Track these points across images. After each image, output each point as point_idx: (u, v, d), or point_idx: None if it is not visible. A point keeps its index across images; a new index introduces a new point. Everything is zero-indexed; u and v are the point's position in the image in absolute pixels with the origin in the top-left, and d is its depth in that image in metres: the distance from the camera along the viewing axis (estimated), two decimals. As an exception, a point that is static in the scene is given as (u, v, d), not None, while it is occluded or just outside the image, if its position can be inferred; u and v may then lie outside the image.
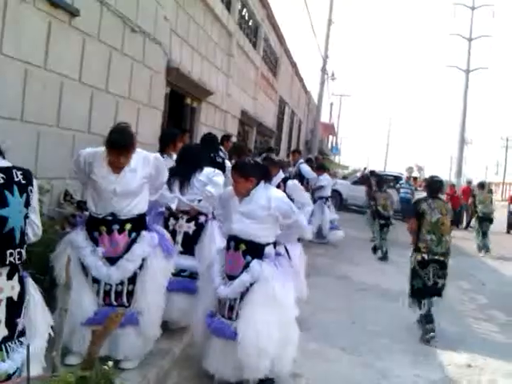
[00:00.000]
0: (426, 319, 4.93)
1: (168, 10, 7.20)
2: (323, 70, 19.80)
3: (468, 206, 16.97)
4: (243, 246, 3.36)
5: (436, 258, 4.94)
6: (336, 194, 18.08)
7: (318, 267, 7.62)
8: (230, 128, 11.57)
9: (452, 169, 45.23)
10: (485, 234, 11.46)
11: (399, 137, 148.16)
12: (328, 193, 10.33)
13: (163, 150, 4.83)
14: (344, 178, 22.10)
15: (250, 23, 13.86)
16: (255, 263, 3.30)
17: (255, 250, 3.36)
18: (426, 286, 4.96)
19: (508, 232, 16.87)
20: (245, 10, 13.07)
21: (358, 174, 20.08)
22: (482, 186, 12.77)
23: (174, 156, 4.68)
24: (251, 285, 3.26)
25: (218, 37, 10.37)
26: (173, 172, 4.06)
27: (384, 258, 9.20)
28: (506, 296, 7.30)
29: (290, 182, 6.33)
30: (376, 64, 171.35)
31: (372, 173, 13.71)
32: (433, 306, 4.99)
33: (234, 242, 3.41)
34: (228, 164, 5.89)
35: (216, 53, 10.32)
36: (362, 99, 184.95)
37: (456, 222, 16.87)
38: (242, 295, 3.28)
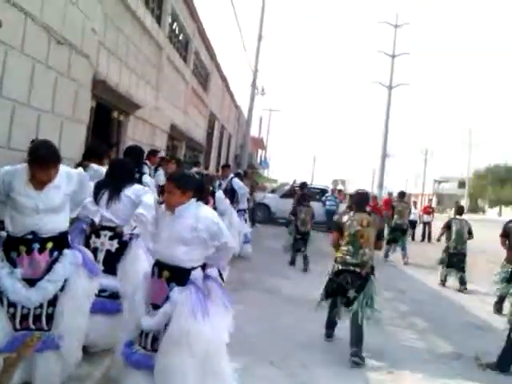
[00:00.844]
0: (328, 325, 5.26)
1: (96, 22, 7.07)
2: (253, 84, 20.12)
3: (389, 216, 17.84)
4: (167, 273, 3.14)
5: (351, 268, 4.97)
6: (264, 207, 18.37)
7: (245, 281, 7.70)
8: (159, 142, 11.47)
9: (374, 181, 47.10)
10: (394, 242, 11.90)
11: (326, 150, 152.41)
12: (244, 205, 10.45)
13: (85, 163, 4.72)
14: (273, 191, 22.42)
15: (181, 37, 13.87)
16: (175, 292, 3.08)
17: (180, 276, 3.14)
18: (335, 289, 5.08)
19: (422, 240, 17.84)
20: (175, 23, 13.07)
21: (287, 188, 20.48)
22: (401, 195, 13.19)
23: (101, 169, 4.61)
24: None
25: (147, 50, 10.30)
26: (102, 185, 4.01)
27: (292, 263, 9.70)
28: (423, 303, 7.72)
29: (217, 194, 6.42)
30: (305, 79, 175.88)
31: (303, 185, 13.67)
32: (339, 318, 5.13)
33: (157, 267, 3.20)
34: (147, 179, 5.60)
35: (145, 66, 10.24)
36: (291, 114, 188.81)
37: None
38: (166, 326, 3.07)
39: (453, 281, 9.15)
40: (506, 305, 7.06)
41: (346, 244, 5.04)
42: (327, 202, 17.41)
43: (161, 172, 7.36)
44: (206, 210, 3.28)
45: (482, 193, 63.88)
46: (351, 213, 5.22)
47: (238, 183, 9.73)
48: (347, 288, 4.96)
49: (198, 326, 2.98)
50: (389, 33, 30.21)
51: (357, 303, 4.83)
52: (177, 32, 13.40)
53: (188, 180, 3.29)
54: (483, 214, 59.32)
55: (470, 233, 9.14)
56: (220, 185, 9.59)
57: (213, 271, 3.40)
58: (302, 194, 11.07)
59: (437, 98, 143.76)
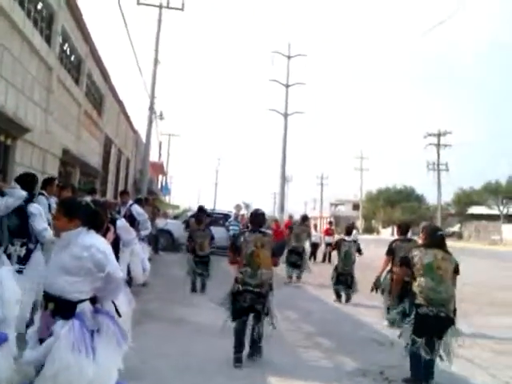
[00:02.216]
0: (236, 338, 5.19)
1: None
2: (151, 108, 19.77)
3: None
4: (51, 305, 2.93)
5: (250, 288, 5.11)
6: (167, 234, 17.94)
7: (150, 312, 7.34)
8: (50, 168, 10.79)
9: (276, 204, 48.20)
10: (292, 265, 12.05)
11: (227, 175, 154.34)
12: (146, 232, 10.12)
13: None
14: (175, 217, 22.04)
15: (73, 58, 13.31)
16: (58, 326, 2.87)
17: (65, 308, 2.93)
18: (242, 307, 5.16)
19: (323, 261, 18.36)
20: (66, 44, 12.52)
21: (189, 213, 20.21)
22: (304, 219, 13.51)
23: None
24: None
25: (36, 71, 9.72)
26: None
27: (193, 289, 9.56)
28: (327, 322, 7.84)
29: (119, 222, 6.10)
30: (203, 105, 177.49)
31: (200, 209, 13.70)
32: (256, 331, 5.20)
33: (44, 299, 2.98)
34: (32, 207, 5.12)
35: (34, 87, 9.64)
36: (191, 139, 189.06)
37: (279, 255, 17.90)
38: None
39: (355, 297, 9.46)
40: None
41: (244, 265, 5.16)
42: (230, 227, 17.40)
43: (53, 200, 6.84)
44: (92, 238, 3.08)
45: (375, 214, 67.95)
46: (246, 233, 5.36)
47: (137, 210, 9.33)
48: (254, 305, 5.13)
49: (79, 361, 2.79)
50: (282, 63, 31.50)
51: (266, 316, 5.19)
52: (68, 53, 12.86)
53: (76, 207, 3.15)
54: (377, 234, 62.84)
55: (359, 250, 10.03)
56: (119, 212, 9.16)
57: (106, 305, 3.19)
58: (197, 217, 10.89)
59: (331, 126, 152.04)
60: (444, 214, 56.42)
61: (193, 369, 5.01)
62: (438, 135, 53.34)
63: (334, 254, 12.42)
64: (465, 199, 59.02)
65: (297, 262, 12.10)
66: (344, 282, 9.65)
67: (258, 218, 5.47)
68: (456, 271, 4.94)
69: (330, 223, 22.47)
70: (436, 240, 5.00)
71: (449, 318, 4.76)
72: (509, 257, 27.71)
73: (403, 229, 7.97)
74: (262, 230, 5.52)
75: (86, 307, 2.99)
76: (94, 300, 3.07)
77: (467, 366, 5.54)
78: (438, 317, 4.73)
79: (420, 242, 5.30)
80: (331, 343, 6.53)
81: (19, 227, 4.98)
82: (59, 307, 2.93)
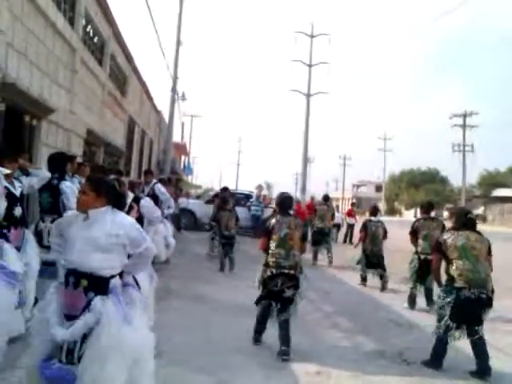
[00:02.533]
0: (259, 325, 5.20)
1: (3, 23, 6.65)
2: (173, 90, 19.80)
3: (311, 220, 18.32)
4: (85, 282, 2.94)
5: (285, 271, 5.04)
6: (189, 213, 18.14)
7: (171, 290, 7.50)
8: (75, 148, 10.97)
9: (298, 184, 48.16)
10: (319, 244, 12.16)
11: (249, 156, 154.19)
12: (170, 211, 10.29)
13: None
14: (198, 197, 22.22)
15: (96, 40, 13.38)
16: (98, 301, 2.91)
17: (99, 284, 2.96)
18: (271, 291, 5.07)
19: (344, 242, 18.36)
20: (89, 26, 12.59)
21: (212, 193, 20.35)
22: (326, 198, 13.39)
23: None
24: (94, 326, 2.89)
25: (60, 52, 9.82)
26: None
27: (222, 269, 9.63)
28: (347, 303, 7.89)
29: (143, 201, 6.23)
30: (225, 86, 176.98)
31: (224, 189, 13.73)
32: (283, 318, 5.02)
33: (73, 277, 2.96)
34: (62, 186, 5.35)
35: (58, 69, 9.76)
36: (213, 120, 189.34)
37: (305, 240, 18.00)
38: (84, 337, 2.89)
39: (373, 280, 9.41)
40: (418, 300, 7.55)
41: (277, 247, 5.08)
42: (252, 207, 17.49)
43: (75, 180, 6.96)
44: (124, 217, 3.17)
45: (397, 196, 67.26)
46: (278, 216, 5.25)
47: (160, 189, 9.46)
48: (283, 289, 5.01)
49: (129, 333, 2.90)
50: (305, 43, 31.11)
51: (293, 305, 5.05)
52: (91, 34, 12.93)
53: (103, 184, 3.17)
54: (400, 216, 62.38)
55: (385, 233, 9.54)
56: (143, 191, 9.29)
57: (130, 279, 3.28)
58: (223, 197, 10.97)
59: (354, 106, 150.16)
60: (468, 196, 55.56)
61: (212, 345, 5.14)
62: (464, 116, 52.26)
63: (356, 234, 12.39)
64: (490, 181, 57.90)
65: (322, 241, 12.15)
66: (376, 264, 9.28)
67: (286, 202, 5.43)
68: (489, 252, 4.94)
69: (353, 204, 22.37)
70: (466, 222, 4.99)
71: (489, 298, 4.75)
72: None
73: (426, 208, 7.93)
74: (290, 213, 5.51)
75: (117, 282, 3.05)
76: (121, 275, 3.13)
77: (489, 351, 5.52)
78: (480, 299, 4.69)
79: (449, 224, 5.26)
80: (350, 324, 6.59)
81: (52, 204, 5.25)
82: (93, 284, 2.94)
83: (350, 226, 18.98)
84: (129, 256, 3.15)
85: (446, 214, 64.22)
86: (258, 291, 5.26)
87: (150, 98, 23.17)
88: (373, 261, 9.30)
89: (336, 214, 16.32)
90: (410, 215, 64.17)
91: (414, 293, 7.53)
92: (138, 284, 3.40)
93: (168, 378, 4.08)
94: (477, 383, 4.59)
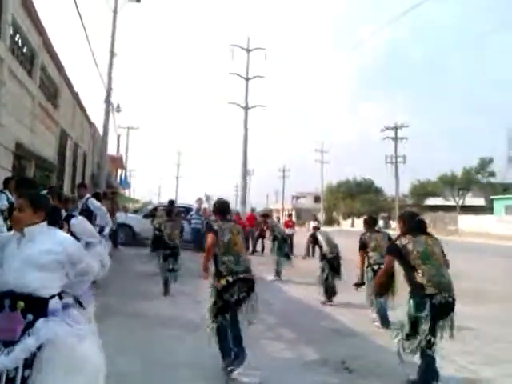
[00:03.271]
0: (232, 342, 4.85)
1: None
2: (107, 101, 19.31)
3: (253, 231, 18.40)
4: (21, 304, 2.74)
5: (240, 276, 4.85)
6: (127, 228, 17.69)
7: (111, 307, 7.22)
8: (3, 162, 10.41)
9: (238, 196, 48.26)
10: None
11: (189, 168, 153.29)
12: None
13: None
14: (135, 211, 21.73)
15: (25, 50, 12.83)
16: (41, 323, 2.73)
17: (37, 306, 2.78)
18: (229, 302, 4.83)
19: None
20: (18, 35, 12.06)
21: (150, 207, 19.94)
22: (264, 215, 13.87)
23: None
24: (39, 349, 2.70)
25: (-15, 62, 9.33)
26: None
27: (165, 290, 8.94)
28: (290, 314, 7.90)
29: (73, 220, 5.66)
30: (162, 98, 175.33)
31: (171, 203, 13.54)
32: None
33: (9, 299, 2.76)
34: None
35: (-17, 79, 9.25)
36: (151, 132, 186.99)
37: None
38: (26, 363, 2.69)
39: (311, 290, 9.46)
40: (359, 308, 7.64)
41: (224, 254, 4.91)
42: (192, 221, 17.30)
43: (3, 196, 6.59)
44: (59, 232, 3.06)
45: (335, 206, 68.90)
46: (219, 222, 5.14)
47: (94, 204, 9.10)
48: (241, 296, 4.84)
49: (88, 349, 2.83)
50: (242, 56, 31.42)
51: (244, 308, 4.88)
52: (20, 44, 12.38)
53: (40, 199, 3.05)
54: (338, 226, 63.86)
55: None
56: (76, 207, 8.93)
57: (69, 300, 3.10)
58: (168, 209, 11.00)
59: (292, 119, 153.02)
60: (402, 205, 57.72)
61: (158, 362, 4.99)
62: (395, 128, 54.48)
63: (296, 243, 12.59)
64: (421, 190, 60.47)
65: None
66: (337, 266, 8.87)
67: (223, 206, 5.35)
68: (443, 253, 4.75)
69: (290, 215, 22.63)
70: (418, 226, 4.80)
71: (454, 301, 4.56)
72: (463, 247, 28.65)
73: (370, 223, 7.82)
74: (229, 218, 5.40)
75: (57, 303, 2.89)
76: (60, 295, 2.97)
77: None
78: (448, 303, 4.49)
79: (398, 230, 4.98)
80: (293, 334, 6.59)
81: None
82: (31, 305, 2.77)
83: (289, 236, 19.15)
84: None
85: (381, 222, 66.46)
86: (203, 306, 5.07)
87: (82, 110, 22.47)
88: (334, 263, 8.88)
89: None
90: (347, 224, 65.92)
91: (382, 310, 6.99)
92: (81, 305, 3.26)
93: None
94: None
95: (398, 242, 4.69)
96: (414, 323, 4.43)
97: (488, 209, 51.36)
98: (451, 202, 55.34)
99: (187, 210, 18.70)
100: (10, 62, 10.78)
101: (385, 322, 6.81)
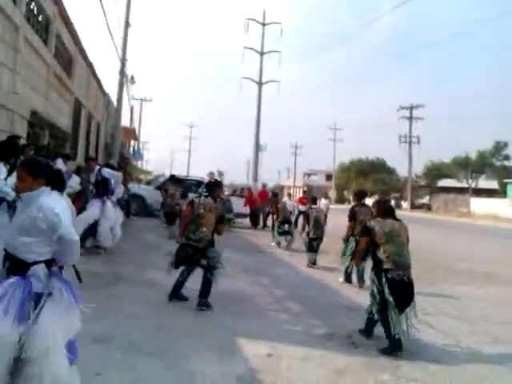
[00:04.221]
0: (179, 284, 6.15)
1: None
2: (121, 72, 19.26)
3: (263, 207, 18.45)
4: (7, 263, 2.98)
5: (190, 243, 6.03)
6: (139, 199, 17.83)
7: (120, 275, 7.35)
8: (18, 130, 10.48)
9: (249, 172, 48.25)
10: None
11: (201, 143, 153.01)
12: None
13: None
14: (148, 183, 21.86)
15: (40, 18, 12.79)
16: (6, 282, 2.88)
17: (18, 267, 2.94)
18: (184, 258, 6.11)
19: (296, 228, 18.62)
20: (33, 3, 12.01)
21: (162, 179, 20.03)
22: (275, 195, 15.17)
23: None
24: None
25: (1, 29, 9.32)
26: None
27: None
28: (298, 287, 7.97)
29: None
30: (177, 71, 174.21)
31: (171, 177, 14.37)
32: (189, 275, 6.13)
33: (4, 257, 3.00)
34: None
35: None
36: (165, 104, 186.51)
37: (255, 222, 18.24)
38: None
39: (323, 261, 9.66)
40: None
41: (189, 223, 6.10)
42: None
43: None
44: (51, 199, 3.03)
45: (347, 184, 68.53)
46: (200, 198, 6.29)
47: (108, 171, 9.24)
48: (192, 258, 6.05)
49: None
50: (257, 30, 31.05)
51: (205, 261, 6.00)
52: (35, 12, 12.33)
53: (40, 166, 3.11)
54: (349, 204, 63.65)
55: (325, 218, 10.63)
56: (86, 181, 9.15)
57: (57, 270, 3.12)
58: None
59: (306, 95, 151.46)
60: (414, 185, 57.39)
61: (163, 329, 5.07)
62: (411, 108, 53.85)
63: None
64: (434, 172, 59.89)
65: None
66: (317, 247, 10.22)
67: (210, 186, 6.54)
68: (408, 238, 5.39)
69: (305, 192, 22.64)
70: (388, 210, 5.53)
71: (411, 281, 5.11)
72: (475, 229, 28.55)
73: (359, 196, 8.87)
74: (220, 197, 6.53)
75: (39, 269, 2.97)
76: (50, 263, 3.02)
77: (431, 333, 5.72)
78: (404, 281, 5.04)
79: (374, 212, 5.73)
80: (300, 307, 6.65)
81: None
82: (13, 266, 2.94)
83: (302, 213, 19.18)
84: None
85: (392, 202, 66.21)
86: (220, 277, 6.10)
87: (97, 80, 22.44)
88: (314, 243, 10.19)
89: (288, 202, 16.51)
90: (359, 204, 65.62)
91: (349, 270, 8.42)
92: (77, 274, 3.32)
93: (119, 362, 4.04)
94: (426, 365, 4.74)
95: (368, 224, 5.46)
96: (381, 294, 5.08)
97: (501, 192, 50.81)
98: (464, 184, 54.79)
99: (199, 183, 18.77)
100: (25, 30, 10.76)
101: (348, 279, 8.46)
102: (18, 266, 2.93)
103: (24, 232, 2.93)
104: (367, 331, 5.40)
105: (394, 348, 4.91)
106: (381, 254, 5.15)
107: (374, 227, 5.27)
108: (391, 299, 4.95)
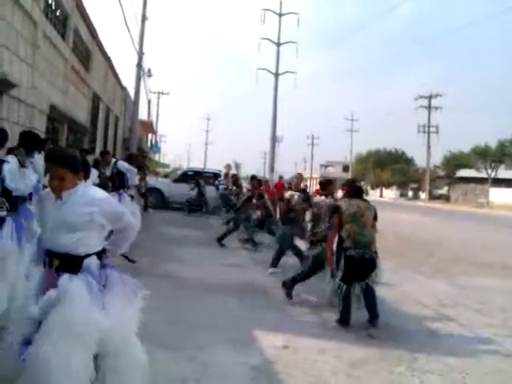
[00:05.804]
0: None
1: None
2: (139, 65, 19.40)
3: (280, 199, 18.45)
4: (56, 262, 2.82)
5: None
6: (157, 192, 18.00)
7: (139, 267, 7.43)
8: (38, 124, 10.64)
9: (266, 164, 48.29)
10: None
11: (219, 135, 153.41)
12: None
13: None
14: (165, 176, 22.05)
15: (58, 13, 12.91)
16: (64, 278, 2.77)
17: (71, 264, 2.81)
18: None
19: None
20: (51, -3, 12.12)
21: (179, 172, 20.18)
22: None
23: None
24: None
25: (20, 25, 9.44)
26: None
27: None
28: (312, 279, 7.97)
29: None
30: (193, 63, 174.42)
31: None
32: None
33: (48, 256, 2.86)
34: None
35: (19, 42, 9.38)
36: (182, 98, 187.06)
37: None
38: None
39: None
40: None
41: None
42: (220, 186, 17.50)
43: (40, 156, 6.77)
44: (97, 191, 2.98)
45: (364, 176, 68.11)
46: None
47: (124, 165, 9.35)
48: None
49: (94, 319, 2.71)
50: (274, 21, 30.89)
51: None
52: (53, 7, 12.44)
53: (77, 160, 2.95)
54: (366, 195, 63.34)
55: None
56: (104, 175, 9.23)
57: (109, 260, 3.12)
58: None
59: (323, 86, 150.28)
60: (433, 176, 56.80)
61: (180, 321, 5.13)
62: (429, 97, 53.13)
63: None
64: (453, 162, 59.14)
65: None
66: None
67: (324, 185, 7.43)
68: (375, 218, 5.70)
69: (321, 183, 22.54)
70: (355, 191, 5.88)
71: (372, 258, 5.49)
72: (495, 219, 28.19)
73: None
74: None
75: (92, 262, 2.89)
76: (100, 254, 2.97)
77: (449, 325, 5.71)
78: (363, 258, 5.43)
79: (342, 194, 6.22)
80: (315, 299, 6.67)
81: None
82: (64, 263, 2.83)
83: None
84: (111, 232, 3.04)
85: (410, 193, 65.65)
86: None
87: (114, 74, 22.59)
88: None
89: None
90: (376, 195, 65.36)
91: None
92: (128, 258, 3.27)
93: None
94: (442, 358, 4.74)
95: (337, 203, 5.87)
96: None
97: (522, 182, 50.01)
98: (483, 175, 53.98)
99: (215, 175, 18.87)
100: (43, 26, 10.87)
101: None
102: (69, 263, 2.82)
103: (71, 229, 2.79)
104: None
105: (341, 320, 5.45)
106: (343, 232, 5.51)
107: (341, 207, 5.63)
108: (341, 274, 5.42)
